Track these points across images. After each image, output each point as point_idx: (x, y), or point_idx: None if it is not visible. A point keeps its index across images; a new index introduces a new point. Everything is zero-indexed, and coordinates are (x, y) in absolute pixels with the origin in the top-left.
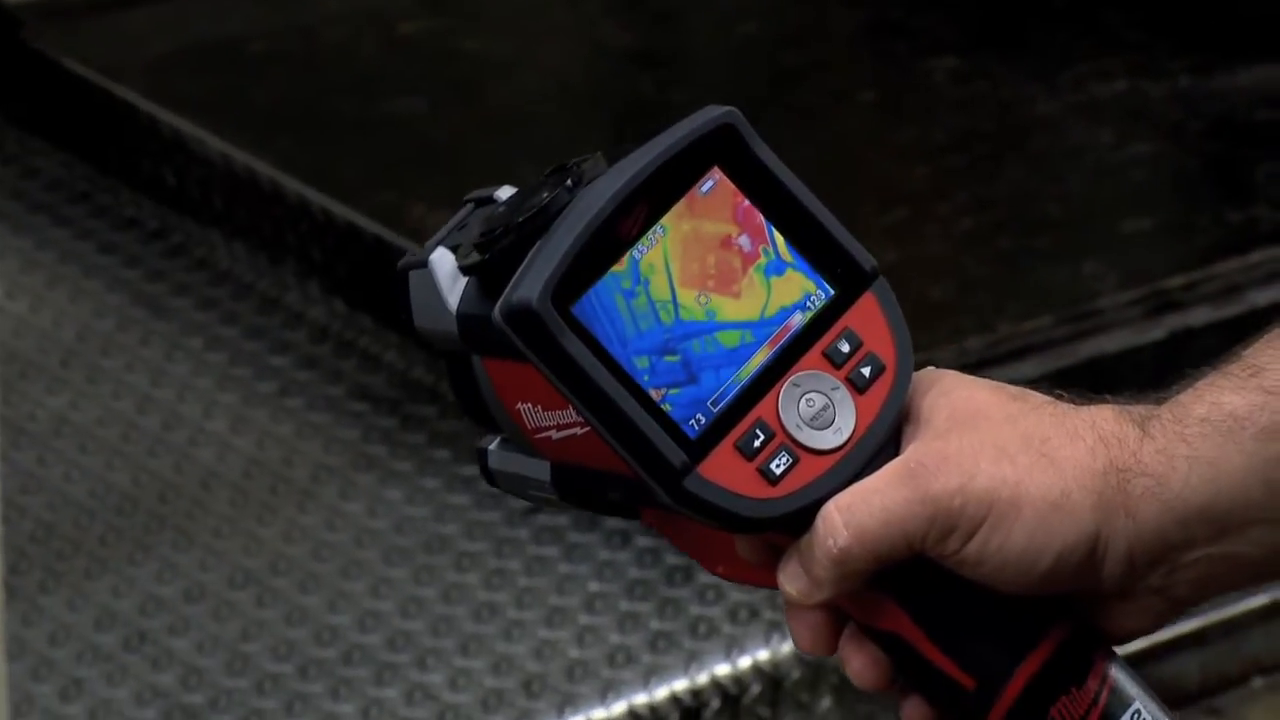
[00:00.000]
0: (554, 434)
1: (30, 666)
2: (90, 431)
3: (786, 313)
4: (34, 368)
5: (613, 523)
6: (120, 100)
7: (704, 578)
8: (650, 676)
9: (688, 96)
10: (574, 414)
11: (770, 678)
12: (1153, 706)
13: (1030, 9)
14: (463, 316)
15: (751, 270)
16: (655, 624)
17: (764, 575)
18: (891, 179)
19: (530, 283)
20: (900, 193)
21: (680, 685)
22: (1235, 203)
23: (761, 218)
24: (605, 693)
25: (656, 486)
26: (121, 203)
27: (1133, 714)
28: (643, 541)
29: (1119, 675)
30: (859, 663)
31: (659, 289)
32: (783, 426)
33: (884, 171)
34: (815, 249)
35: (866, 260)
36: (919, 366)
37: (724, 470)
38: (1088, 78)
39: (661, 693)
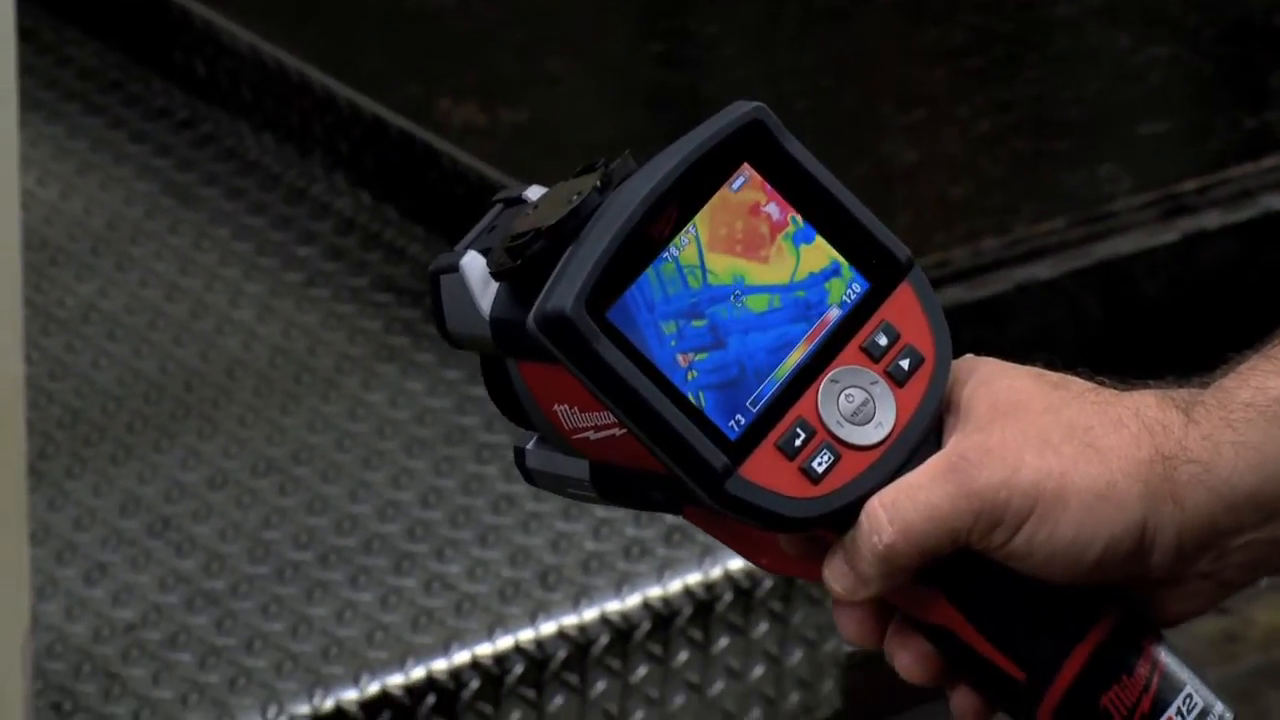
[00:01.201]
0: (591, 435)
1: (55, 550)
2: (118, 319)
3: (815, 278)
4: (64, 255)
5: None
6: None
7: None
8: (664, 570)
9: None
10: (611, 416)
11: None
12: (1204, 690)
13: None
14: (496, 321)
15: (780, 238)
16: (670, 519)
17: (809, 568)
18: (911, 80)
19: (564, 291)
20: (919, 94)
21: (694, 579)
22: (1250, 107)
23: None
24: (620, 585)
25: (699, 490)
26: (152, 92)
27: (1184, 698)
28: None
29: (1169, 660)
30: (907, 657)
31: (688, 255)
32: (823, 424)
33: (904, 72)
34: (849, 242)
35: (901, 251)
36: (929, 267)
37: (766, 471)
38: None
39: (675, 586)
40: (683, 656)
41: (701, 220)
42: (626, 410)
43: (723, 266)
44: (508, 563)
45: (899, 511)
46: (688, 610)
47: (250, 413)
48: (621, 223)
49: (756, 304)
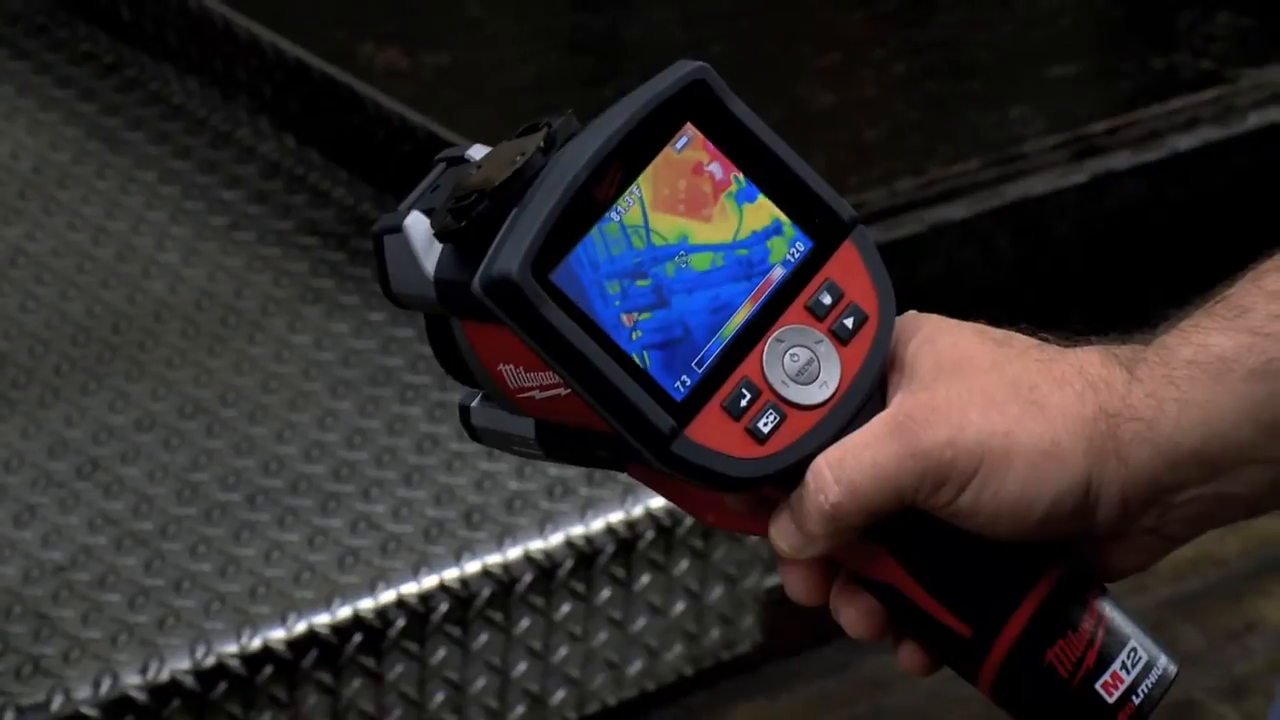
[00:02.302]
0: (537, 394)
1: None
2: (46, 263)
3: (758, 236)
4: None
5: None
6: None
7: None
8: (587, 509)
9: None
10: (556, 375)
11: None
12: (1148, 643)
13: None
14: (441, 282)
15: (723, 197)
16: None
17: (755, 524)
18: (827, 23)
19: (509, 254)
20: (836, 37)
21: (616, 517)
22: (1158, 50)
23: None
24: (543, 524)
25: (645, 451)
26: (78, 37)
27: (1129, 652)
28: None
29: (1114, 615)
30: (853, 614)
31: (632, 216)
32: (768, 384)
33: (820, 15)
34: (793, 201)
35: (845, 210)
36: (857, 214)
37: (712, 432)
38: None
39: (597, 524)
40: (605, 594)
41: (645, 181)
42: (572, 373)
43: (666, 226)
44: (432, 502)
45: (845, 471)
46: (610, 548)
47: (177, 355)
48: (566, 185)
49: (700, 263)
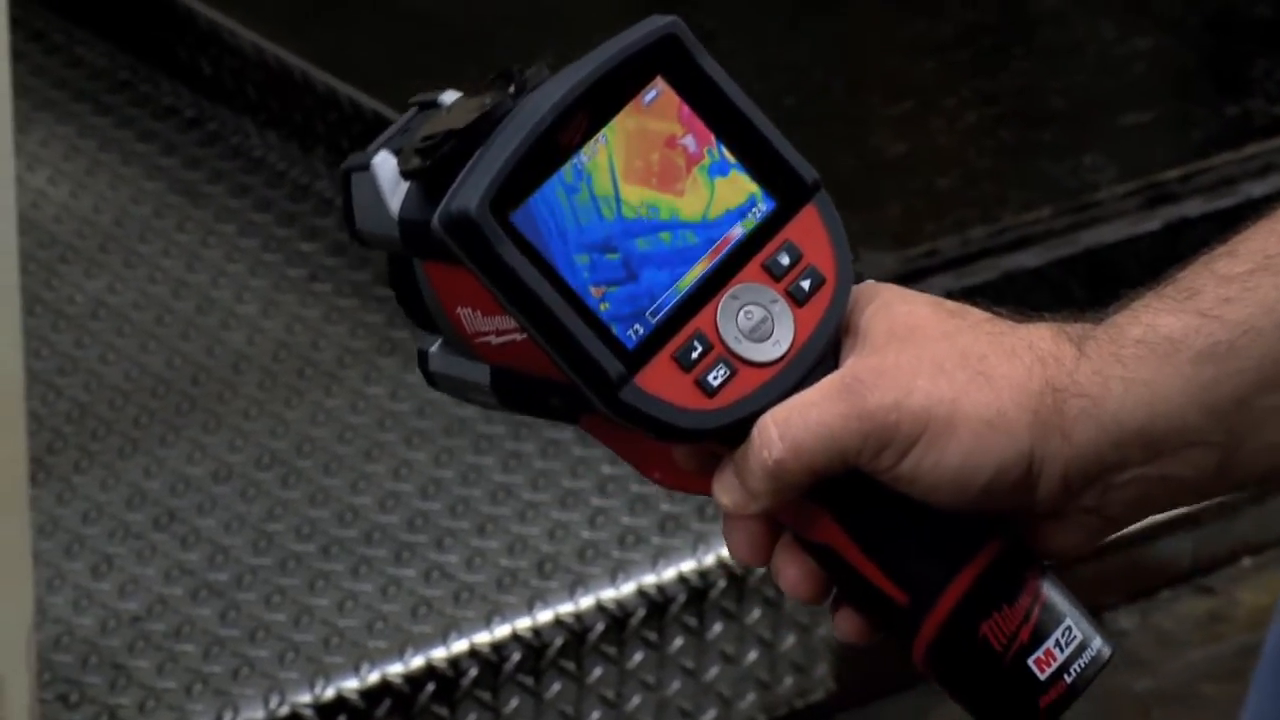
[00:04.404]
0: (493, 339)
1: (63, 544)
2: (126, 315)
3: (731, 216)
4: (74, 252)
5: None
6: None
7: None
8: (659, 558)
9: None
10: (512, 320)
11: None
12: (1084, 624)
13: None
14: (404, 221)
15: (695, 170)
16: (665, 507)
17: (701, 483)
18: (900, 72)
19: (469, 191)
20: (908, 86)
21: (688, 566)
22: (1231, 97)
23: (704, 126)
24: (615, 573)
25: (594, 396)
26: (160, 92)
27: (1064, 630)
28: None
29: (1051, 593)
30: (793, 574)
31: (602, 185)
32: (721, 338)
33: (893, 65)
34: (757, 160)
35: (809, 173)
36: (918, 256)
37: (661, 381)
38: None
39: (669, 573)
40: (678, 642)
41: (614, 137)
42: (525, 312)
43: (638, 198)
44: (505, 552)
45: (790, 428)
46: (682, 597)
47: (255, 406)
48: (531, 127)
49: (670, 238)
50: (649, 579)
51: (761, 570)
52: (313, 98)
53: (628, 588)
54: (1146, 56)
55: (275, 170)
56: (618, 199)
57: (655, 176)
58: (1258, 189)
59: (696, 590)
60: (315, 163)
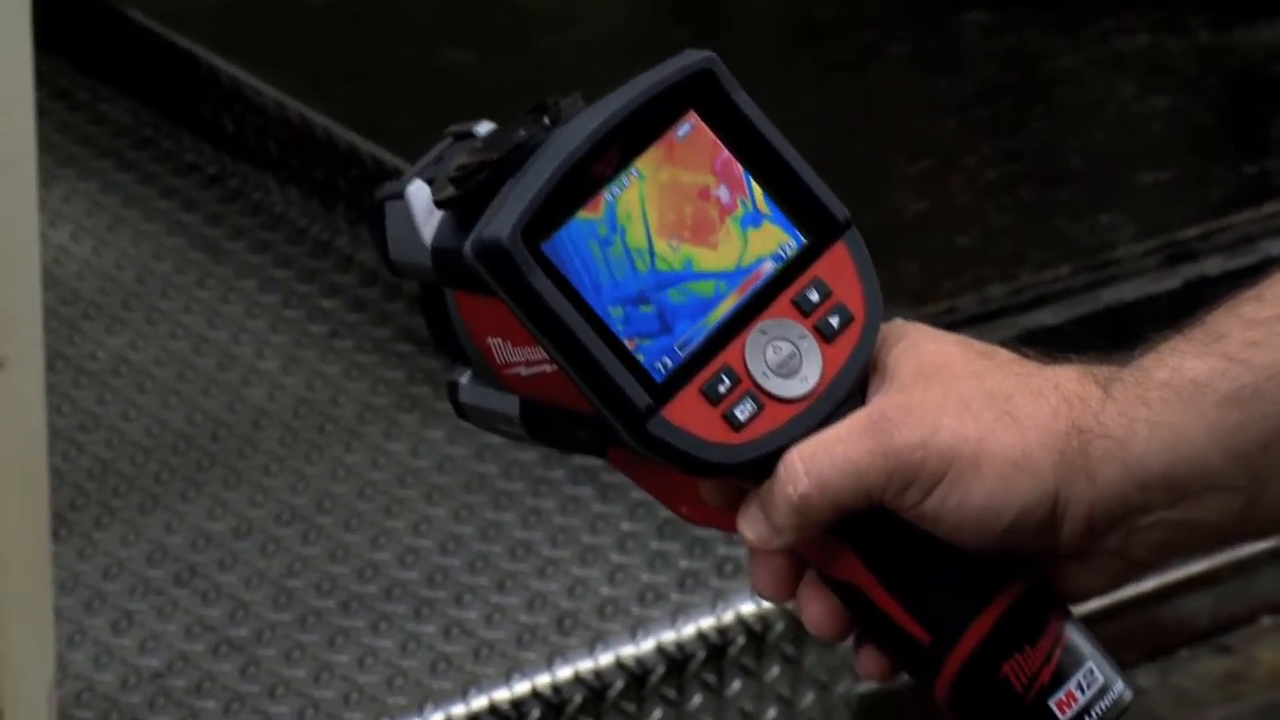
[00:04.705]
0: (523, 370)
1: (84, 599)
2: (148, 371)
3: (761, 263)
4: (96, 308)
5: None
6: (182, 49)
7: None
8: (678, 614)
9: (725, 46)
10: (542, 351)
11: (793, 616)
12: (1106, 667)
13: None
14: (437, 250)
15: (729, 221)
16: (684, 563)
17: (726, 518)
18: (920, 130)
19: (501, 220)
20: (929, 143)
21: (707, 623)
22: (1250, 156)
23: (738, 166)
24: (635, 630)
25: (620, 428)
26: (182, 148)
27: (1085, 673)
28: None
29: (1073, 634)
30: (816, 611)
31: (635, 237)
32: (749, 373)
33: (913, 123)
34: (789, 197)
35: (839, 210)
36: (937, 314)
37: (688, 414)
38: (1111, 32)
39: (688, 630)
40: (697, 700)
41: (648, 186)
42: (554, 342)
43: (671, 251)
44: (525, 608)
45: (816, 464)
46: (701, 654)
47: (275, 462)
48: (564, 158)
49: (703, 289)
50: (668, 636)
51: (781, 628)
52: (334, 154)
53: (647, 644)
54: (1165, 115)
55: (296, 227)
56: (651, 252)
57: (689, 229)
58: (1277, 247)
59: (716, 647)
60: (336, 219)
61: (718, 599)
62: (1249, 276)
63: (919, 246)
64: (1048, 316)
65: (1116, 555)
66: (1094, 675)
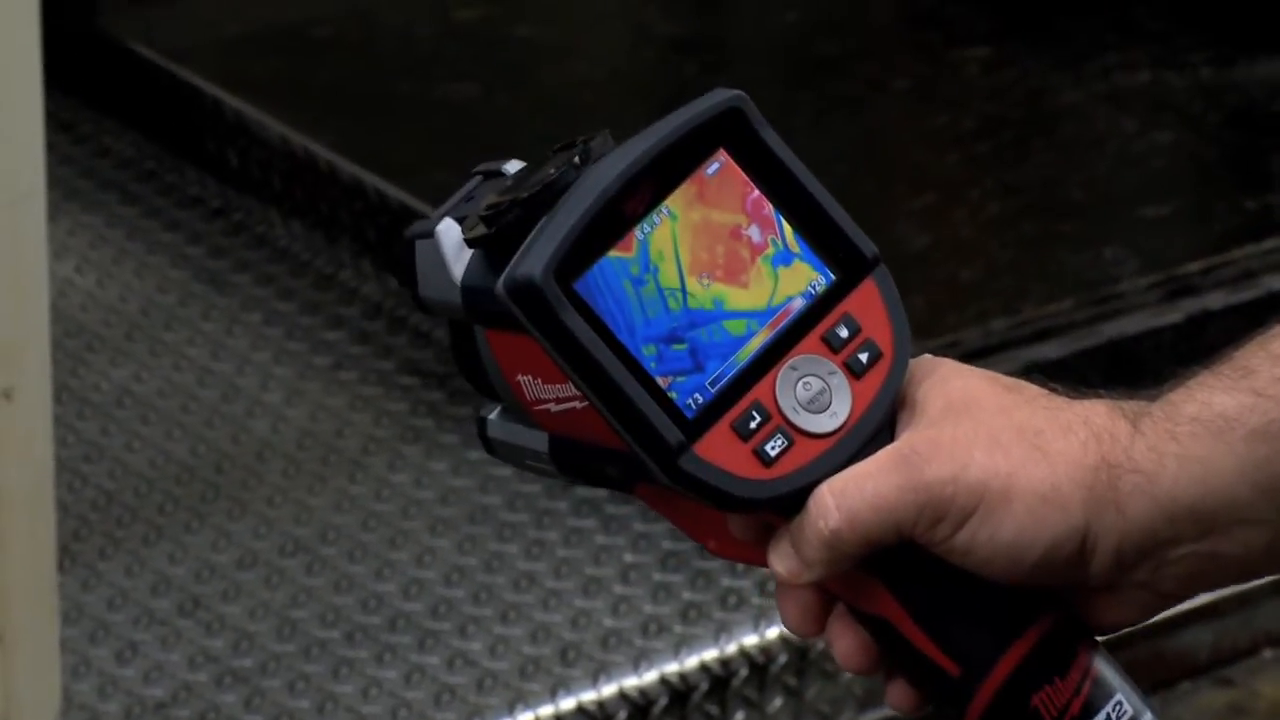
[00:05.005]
0: (553, 407)
1: (88, 630)
2: (152, 403)
3: (791, 300)
4: (100, 341)
5: None
6: (186, 83)
7: None
8: (681, 646)
9: (730, 81)
10: (573, 388)
11: (797, 648)
12: (1135, 699)
13: (1059, 1)
14: (467, 288)
15: (759, 260)
16: (687, 595)
17: (756, 553)
18: (923, 164)
19: (534, 258)
20: (931, 178)
21: (710, 655)
22: (1252, 191)
23: (769, 205)
24: (638, 661)
25: (652, 464)
26: (186, 181)
27: (1114, 704)
28: None
29: (1102, 667)
30: (846, 645)
31: (668, 276)
32: (779, 409)
33: (916, 157)
34: (818, 234)
35: (868, 247)
36: (940, 348)
37: (719, 450)
38: (1113, 68)
39: (692, 662)
40: None
41: (680, 227)
42: (585, 379)
43: (703, 290)
44: (528, 639)
45: (846, 499)
46: (704, 685)
47: (279, 494)
48: (595, 196)
49: (735, 328)
50: (671, 667)
51: (783, 660)
52: (338, 188)
53: (650, 676)
54: (1167, 150)
55: (300, 260)
56: (684, 291)
57: (721, 269)
58: (1278, 282)
59: (719, 679)
60: (340, 252)
61: (721, 631)
62: (1251, 311)
63: (923, 280)
64: (1050, 350)
65: (1145, 587)
66: (1123, 707)
